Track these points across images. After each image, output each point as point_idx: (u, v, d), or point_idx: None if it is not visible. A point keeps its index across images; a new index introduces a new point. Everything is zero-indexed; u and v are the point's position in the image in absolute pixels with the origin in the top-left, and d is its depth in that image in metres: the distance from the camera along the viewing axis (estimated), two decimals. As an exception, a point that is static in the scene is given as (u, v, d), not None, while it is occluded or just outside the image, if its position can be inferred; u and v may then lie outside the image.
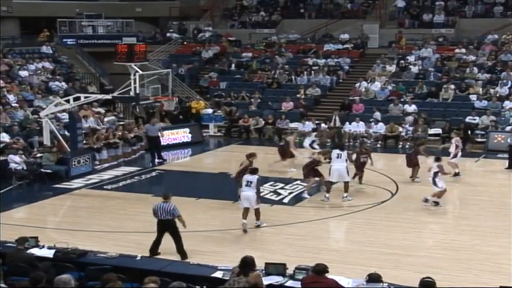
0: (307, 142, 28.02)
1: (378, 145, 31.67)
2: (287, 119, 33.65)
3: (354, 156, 23.03)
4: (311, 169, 21.89)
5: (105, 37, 43.09)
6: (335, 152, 21.72)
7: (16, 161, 24.29)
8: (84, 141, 27.03)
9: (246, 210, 18.39)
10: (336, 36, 43.27)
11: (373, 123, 32.46)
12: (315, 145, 27.71)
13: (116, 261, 13.82)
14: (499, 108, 32.84)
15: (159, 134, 28.75)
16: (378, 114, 33.19)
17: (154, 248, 16.00)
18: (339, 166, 21.34)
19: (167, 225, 15.95)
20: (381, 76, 37.20)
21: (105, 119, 31.30)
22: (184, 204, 21.07)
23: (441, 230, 18.49)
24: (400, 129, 31.86)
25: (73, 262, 13.59)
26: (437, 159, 20.80)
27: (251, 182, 18.30)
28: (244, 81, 39.40)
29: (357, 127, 32.45)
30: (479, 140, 31.20)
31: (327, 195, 21.38)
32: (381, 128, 32.20)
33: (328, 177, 21.53)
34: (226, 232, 18.33)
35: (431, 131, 31.87)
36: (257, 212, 18.60)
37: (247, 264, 11.43)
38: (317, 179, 22.09)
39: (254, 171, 18.76)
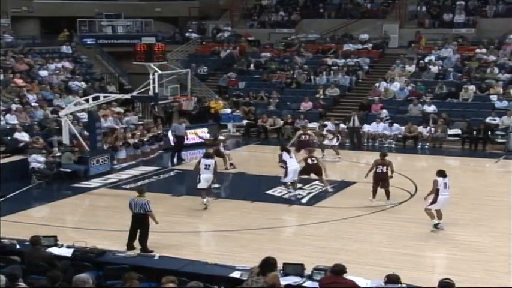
0: None
1: (393, 146, 31.49)
2: (306, 119, 33.61)
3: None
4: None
5: (124, 37, 43.30)
6: (286, 154, 22.66)
7: (39, 161, 24.46)
8: (105, 142, 27.20)
9: (204, 191, 20.65)
10: (356, 36, 43.16)
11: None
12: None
13: (134, 261, 13.87)
14: (519, 108, 32.64)
15: (185, 134, 29.07)
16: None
17: (131, 242, 16.32)
18: (296, 166, 22.49)
19: (140, 219, 16.32)
20: (401, 76, 37.03)
21: (126, 118, 31.45)
22: (202, 205, 21.20)
23: (460, 231, 18.36)
24: (419, 129, 31.68)
25: (91, 261, 13.63)
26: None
27: (209, 165, 20.68)
28: (263, 81, 39.41)
29: (376, 127, 32.31)
30: (499, 140, 30.99)
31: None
32: (396, 129, 32.00)
33: (285, 179, 22.46)
34: (244, 232, 18.33)
35: (451, 132, 31.72)
36: (209, 190, 21.07)
37: (269, 264, 11.40)
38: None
39: (210, 155, 21.32)
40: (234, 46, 43.28)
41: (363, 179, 21.86)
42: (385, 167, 20.98)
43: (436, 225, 18.27)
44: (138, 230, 16.42)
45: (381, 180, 21.06)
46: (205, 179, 20.63)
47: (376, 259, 15.92)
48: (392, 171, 21.15)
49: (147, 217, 16.36)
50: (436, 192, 18.18)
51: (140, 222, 16.38)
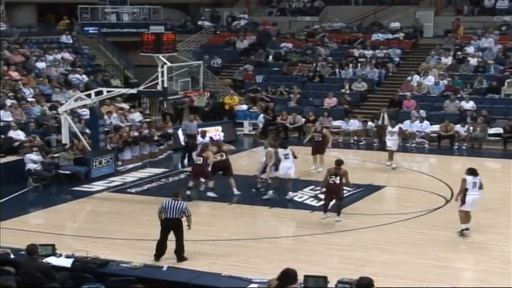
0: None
1: (427, 145, 31.42)
2: (330, 117, 33.57)
3: None
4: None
5: (130, 25, 43.40)
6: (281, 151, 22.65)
7: (33, 160, 24.50)
8: (109, 142, 27.34)
9: None
10: (386, 25, 43.09)
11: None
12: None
13: (140, 272, 13.87)
14: None
15: (197, 132, 29.11)
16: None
17: (161, 251, 16.37)
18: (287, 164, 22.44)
19: (174, 224, 16.33)
20: (435, 69, 36.95)
21: (131, 116, 31.53)
22: (215, 210, 21.27)
23: (502, 241, 18.26)
24: (456, 128, 31.53)
25: (93, 273, 13.62)
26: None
27: None
28: (283, 74, 39.41)
29: (409, 126, 32.10)
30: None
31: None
32: (426, 126, 31.90)
33: (276, 173, 22.40)
34: (262, 241, 18.36)
35: (492, 131, 31.58)
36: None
37: (288, 277, 11.37)
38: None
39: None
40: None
41: (392, 183, 21.85)
42: (338, 178, 19.99)
43: (462, 231, 18.35)
44: (168, 238, 16.47)
45: (332, 192, 20.23)
46: None
47: (408, 272, 15.88)
48: (348, 183, 20.47)
49: (181, 223, 16.40)
50: (464, 191, 18.31)
51: (173, 229, 16.36)
